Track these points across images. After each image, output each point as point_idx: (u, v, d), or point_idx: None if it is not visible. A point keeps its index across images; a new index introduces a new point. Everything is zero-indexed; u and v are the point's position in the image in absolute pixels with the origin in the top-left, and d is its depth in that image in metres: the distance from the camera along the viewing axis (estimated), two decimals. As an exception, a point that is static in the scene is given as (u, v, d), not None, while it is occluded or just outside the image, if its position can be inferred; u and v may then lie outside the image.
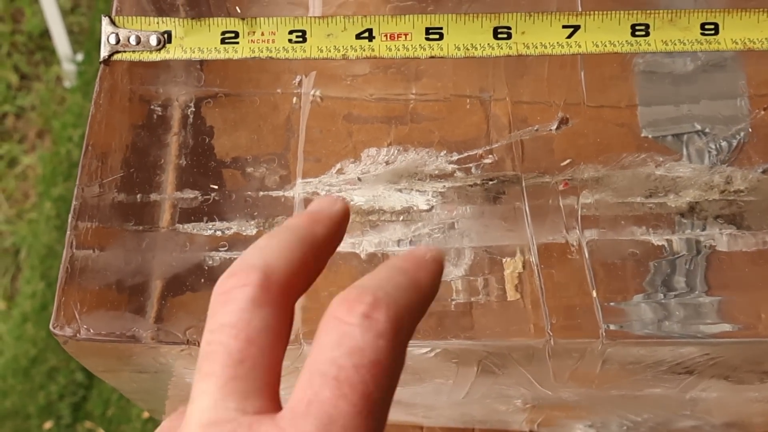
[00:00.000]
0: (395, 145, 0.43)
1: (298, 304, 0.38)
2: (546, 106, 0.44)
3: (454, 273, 0.40)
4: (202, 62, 0.45)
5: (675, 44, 0.37)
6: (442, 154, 0.43)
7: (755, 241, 0.40)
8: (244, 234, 0.41)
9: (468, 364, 0.40)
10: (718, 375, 0.41)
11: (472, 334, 0.37)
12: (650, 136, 0.43)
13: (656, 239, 0.40)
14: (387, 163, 0.43)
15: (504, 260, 0.40)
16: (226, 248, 0.40)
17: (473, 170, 0.42)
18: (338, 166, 0.43)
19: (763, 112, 0.43)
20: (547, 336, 0.37)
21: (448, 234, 0.41)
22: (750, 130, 0.43)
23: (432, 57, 0.37)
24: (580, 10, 0.43)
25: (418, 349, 0.37)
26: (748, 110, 0.44)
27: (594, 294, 0.38)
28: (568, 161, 0.42)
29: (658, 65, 0.45)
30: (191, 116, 0.44)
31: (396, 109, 0.44)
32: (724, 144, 0.43)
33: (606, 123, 0.44)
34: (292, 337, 0.37)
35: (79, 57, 1.51)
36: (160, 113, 0.44)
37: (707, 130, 0.43)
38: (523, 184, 0.41)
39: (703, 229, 0.41)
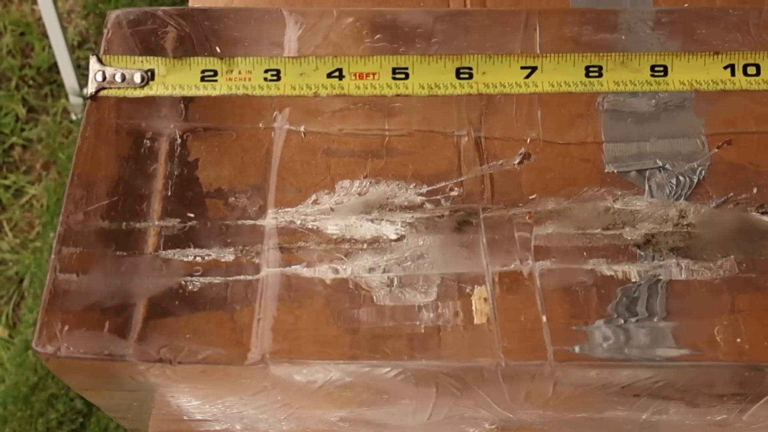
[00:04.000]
0: (370, 177, 0.45)
1: (267, 326, 0.40)
2: (517, 142, 0.46)
3: (422, 300, 0.42)
4: (188, 98, 0.47)
5: (626, 85, 0.39)
6: (411, 186, 0.45)
7: (708, 273, 0.42)
8: (223, 260, 0.43)
9: (426, 385, 0.42)
10: (668, 397, 0.43)
11: (429, 355, 0.39)
12: (615, 171, 0.46)
13: (612, 270, 0.42)
14: (359, 194, 0.45)
15: (467, 288, 0.42)
16: (200, 273, 0.42)
17: (442, 202, 0.45)
18: (314, 196, 0.45)
19: (717, 150, 0.45)
20: (499, 358, 0.39)
21: (417, 263, 0.43)
22: (708, 166, 0.45)
23: (398, 95, 0.39)
24: (538, 52, 0.45)
25: (378, 369, 0.39)
26: (707, 148, 0.46)
27: (544, 319, 0.40)
28: (534, 195, 0.45)
29: (621, 104, 0.47)
30: (177, 149, 0.46)
31: (372, 143, 0.47)
32: (683, 179, 0.45)
33: (572, 159, 0.46)
34: (257, 357, 0.39)
35: (86, 91, 1.54)
36: (146, 146, 0.46)
37: (668, 166, 0.45)
38: (481, 216, 0.43)
39: (661, 260, 0.43)
